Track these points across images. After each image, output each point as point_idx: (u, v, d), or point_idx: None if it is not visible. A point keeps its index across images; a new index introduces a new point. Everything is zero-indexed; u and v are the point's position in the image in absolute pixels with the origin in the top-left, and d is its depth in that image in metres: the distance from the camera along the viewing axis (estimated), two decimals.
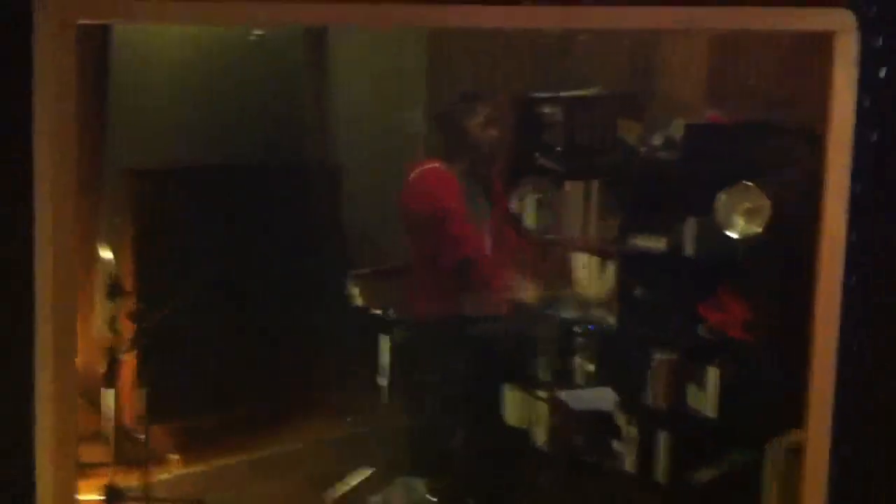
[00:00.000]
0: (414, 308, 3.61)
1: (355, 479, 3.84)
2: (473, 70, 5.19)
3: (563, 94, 4.53)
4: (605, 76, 4.65)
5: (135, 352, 3.41)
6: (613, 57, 4.70)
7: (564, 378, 4.34)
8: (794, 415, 3.86)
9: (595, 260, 4.19)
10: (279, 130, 4.96)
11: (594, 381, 4.17)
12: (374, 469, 3.80)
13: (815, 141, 3.88)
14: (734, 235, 3.69)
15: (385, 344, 3.75)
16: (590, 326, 3.78)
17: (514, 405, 4.33)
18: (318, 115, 5.17)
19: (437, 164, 3.44)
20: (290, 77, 5.16)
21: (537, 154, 3.53)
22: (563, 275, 3.82)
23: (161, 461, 3.86)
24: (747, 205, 3.68)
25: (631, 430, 4.18)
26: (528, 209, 4.24)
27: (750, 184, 3.71)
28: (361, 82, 5.23)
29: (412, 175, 3.45)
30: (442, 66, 5.34)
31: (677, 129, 4.21)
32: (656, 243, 4.12)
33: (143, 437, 3.67)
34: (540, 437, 4.39)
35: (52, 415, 1.64)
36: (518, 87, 4.92)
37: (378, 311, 3.73)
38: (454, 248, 3.41)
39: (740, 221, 3.70)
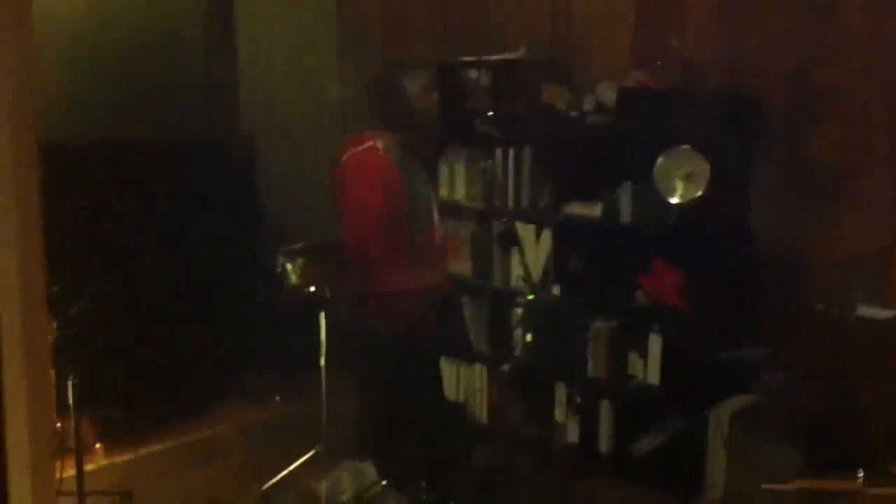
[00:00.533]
0: (348, 284, 3.43)
1: (295, 462, 3.68)
2: (390, 29, 5.03)
3: (487, 58, 4.41)
4: (527, 40, 4.55)
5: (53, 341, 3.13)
6: (535, 20, 4.61)
7: (504, 350, 4.26)
8: (735, 380, 3.92)
9: (530, 229, 4.10)
10: (189, 100, 4.69)
11: (534, 352, 4.09)
12: (315, 451, 3.63)
13: (748, 103, 3.94)
14: (674, 200, 3.64)
15: (322, 322, 3.56)
16: (528, 297, 3.69)
17: (453, 379, 4.24)
18: (228, 81, 4.90)
19: (372, 144, 3.24)
20: (194, 41, 4.87)
21: (477, 121, 3.39)
22: (501, 246, 3.71)
23: (85, 452, 3.61)
24: (686, 169, 3.64)
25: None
26: (459, 178, 4.13)
27: (688, 147, 3.66)
28: (272, 43, 4.98)
29: (346, 156, 3.25)
30: (355, 27, 5.14)
31: (604, 92, 4.14)
32: (591, 210, 4.06)
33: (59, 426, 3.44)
34: (480, 410, 4.32)
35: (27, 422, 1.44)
36: (435, 50, 4.78)
37: (313, 289, 3.53)
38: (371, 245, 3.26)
39: (680, 186, 3.65)
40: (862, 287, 3.88)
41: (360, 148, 3.23)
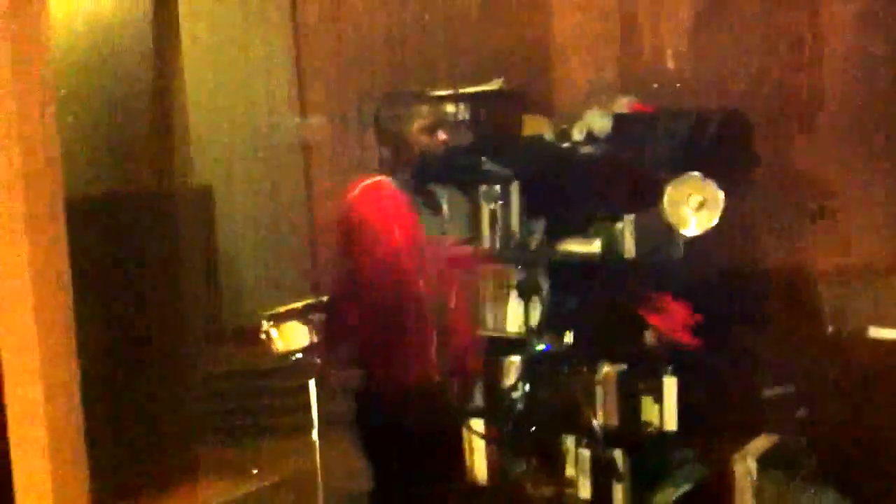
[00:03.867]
0: (352, 343, 3.03)
1: None
2: (348, 69, 4.68)
3: (463, 90, 4.11)
4: (501, 69, 4.27)
5: None
6: (512, 48, 4.33)
7: (504, 405, 3.92)
8: (758, 420, 3.66)
9: (530, 271, 3.79)
10: (134, 150, 4.27)
11: (537, 404, 3.77)
12: None
13: (746, 120, 3.71)
14: (689, 233, 3.37)
15: (313, 391, 3.20)
16: (546, 347, 3.37)
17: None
18: (179, 127, 4.48)
19: (381, 180, 2.88)
20: (139, 86, 4.44)
21: (483, 158, 3.07)
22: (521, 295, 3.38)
23: None
24: (698, 197, 3.38)
25: (582, 454, 3.81)
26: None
27: (697, 174, 3.41)
28: (225, 85, 4.58)
29: (354, 193, 2.87)
30: (312, 63, 4.78)
31: (595, 119, 3.88)
32: (589, 247, 3.78)
33: None
34: (480, 473, 3.98)
35: None
36: (404, 84, 4.46)
37: (300, 355, 3.16)
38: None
39: (692, 216, 3.39)
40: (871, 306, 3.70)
41: (366, 183, 2.88)
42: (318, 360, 3.21)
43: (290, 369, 3.23)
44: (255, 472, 4.12)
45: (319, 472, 3.21)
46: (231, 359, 3.99)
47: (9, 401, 1.31)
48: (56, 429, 1.33)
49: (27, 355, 1.31)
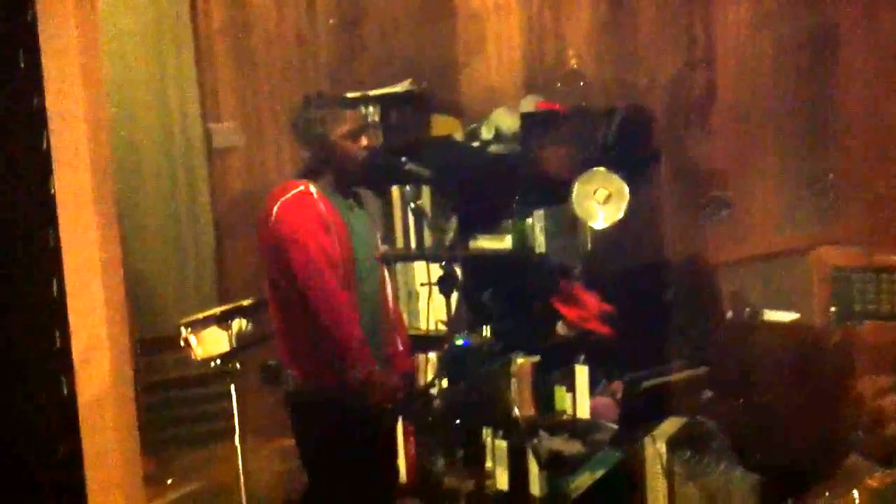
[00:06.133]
0: (288, 346, 3.01)
1: None
2: (256, 73, 4.65)
3: (372, 92, 4.16)
4: (407, 71, 4.33)
5: None
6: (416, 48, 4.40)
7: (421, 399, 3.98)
8: (668, 405, 3.79)
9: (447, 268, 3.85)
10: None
11: (454, 397, 3.84)
12: None
13: (649, 116, 3.86)
14: (597, 226, 3.49)
15: (233, 395, 3.21)
16: (464, 342, 3.44)
17: None
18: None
19: (304, 189, 2.86)
20: None
21: (404, 159, 3.10)
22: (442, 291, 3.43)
23: None
24: (604, 191, 3.50)
25: (500, 445, 3.90)
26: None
27: (602, 168, 3.53)
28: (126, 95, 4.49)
29: (276, 206, 2.85)
30: (219, 68, 4.73)
31: (502, 118, 3.98)
32: (500, 243, 3.87)
33: None
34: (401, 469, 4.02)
35: None
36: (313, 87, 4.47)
37: (219, 361, 3.17)
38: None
39: (599, 209, 3.51)
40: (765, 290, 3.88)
41: (291, 194, 2.87)
42: (239, 366, 3.21)
43: (210, 376, 3.22)
44: (169, 482, 4.07)
45: (241, 478, 3.21)
46: (148, 368, 3.94)
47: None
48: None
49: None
